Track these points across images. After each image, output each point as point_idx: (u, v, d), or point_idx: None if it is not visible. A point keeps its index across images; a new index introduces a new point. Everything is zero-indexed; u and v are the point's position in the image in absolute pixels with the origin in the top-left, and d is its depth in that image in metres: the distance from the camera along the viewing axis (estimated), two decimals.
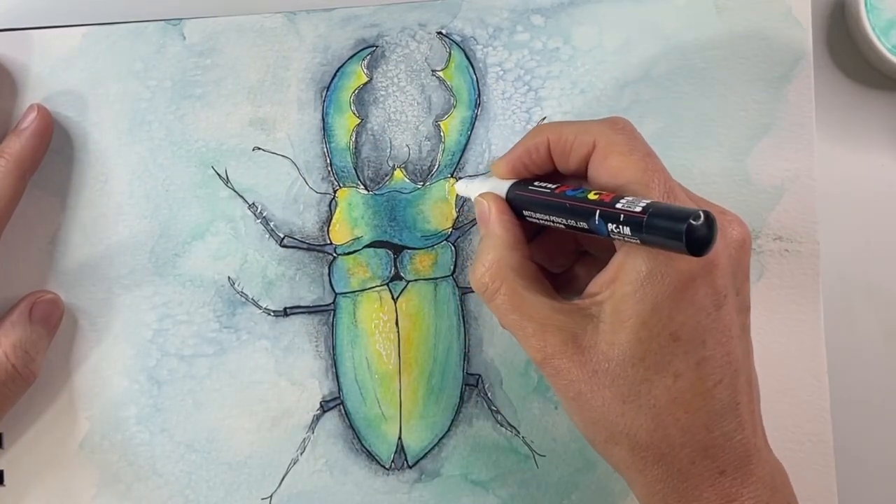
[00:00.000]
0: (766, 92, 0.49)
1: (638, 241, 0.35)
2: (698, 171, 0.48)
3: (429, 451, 0.49)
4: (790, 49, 0.49)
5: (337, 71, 0.49)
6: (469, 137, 0.49)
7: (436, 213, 0.49)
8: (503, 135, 0.49)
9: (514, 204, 0.41)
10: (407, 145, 0.49)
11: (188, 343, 0.49)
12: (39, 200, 0.48)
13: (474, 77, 0.49)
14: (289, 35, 0.49)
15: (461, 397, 0.49)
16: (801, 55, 0.48)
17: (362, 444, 0.49)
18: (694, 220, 0.32)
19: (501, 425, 0.49)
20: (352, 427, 0.49)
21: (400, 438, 0.49)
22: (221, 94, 0.49)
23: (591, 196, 0.37)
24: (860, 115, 0.51)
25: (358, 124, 0.49)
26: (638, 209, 0.34)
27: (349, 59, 0.49)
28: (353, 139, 0.49)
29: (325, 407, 0.49)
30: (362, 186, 0.49)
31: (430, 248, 0.49)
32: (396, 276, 0.49)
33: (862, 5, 0.49)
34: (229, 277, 0.49)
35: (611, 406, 0.37)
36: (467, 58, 0.49)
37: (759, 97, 0.49)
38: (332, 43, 0.49)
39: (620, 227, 0.35)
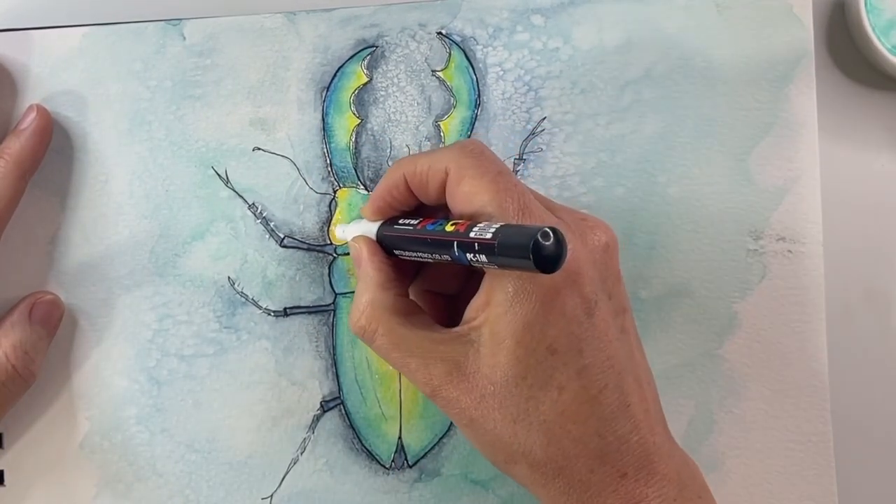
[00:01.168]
0: (768, 91, 0.48)
1: (496, 267, 0.35)
2: (699, 171, 0.48)
3: (429, 450, 0.49)
4: (791, 48, 0.48)
5: (337, 71, 0.49)
6: (469, 137, 0.49)
7: None
8: (503, 135, 0.49)
9: (385, 244, 0.42)
10: (407, 145, 0.49)
11: (188, 343, 0.49)
12: (39, 200, 0.49)
13: (474, 77, 0.49)
14: (289, 35, 0.49)
15: None
16: (802, 54, 0.48)
17: (362, 444, 0.49)
18: (542, 237, 0.33)
19: None
20: (352, 427, 0.49)
21: (400, 438, 0.49)
22: (221, 94, 0.49)
23: (448, 227, 0.37)
24: (860, 116, 0.51)
25: (358, 124, 0.49)
26: (488, 236, 0.35)
27: (349, 59, 0.49)
28: (353, 139, 0.49)
29: (325, 407, 0.49)
30: (362, 187, 0.49)
31: None
32: None
33: (862, 5, 0.48)
34: (229, 277, 0.49)
35: (503, 428, 0.37)
36: (467, 58, 0.49)
37: (761, 97, 0.48)
38: (332, 43, 0.49)
39: (477, 255, 0.35)
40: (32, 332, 0.47)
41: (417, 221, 0.40)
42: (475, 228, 0.36)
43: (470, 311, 0.39)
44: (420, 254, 0.40)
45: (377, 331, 0.40)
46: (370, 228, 0.43)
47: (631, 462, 0.37)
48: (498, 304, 0.37)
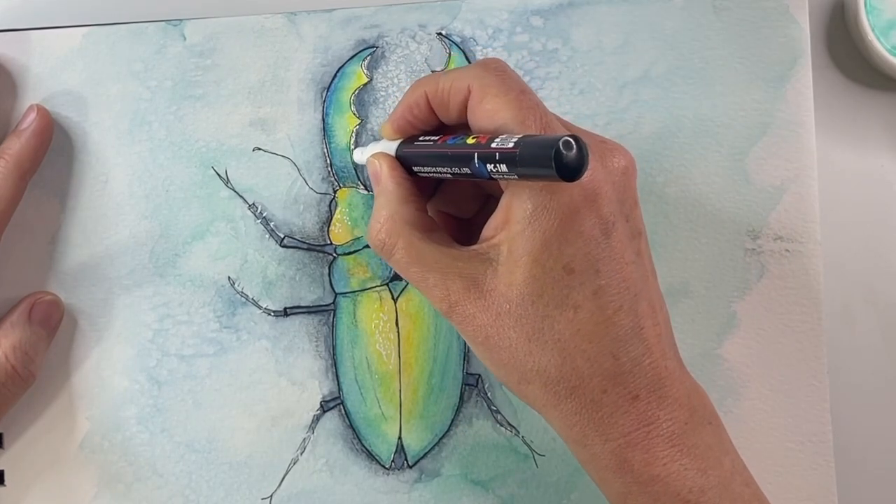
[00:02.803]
0: (765, 91, 0.49)
1: (516, 177, 0.35)
2: (697, 171, 0.49)
3: (429, 450, 0.49)
4: (788, 48, 0.49)
5: (337, 71, 0.49)
6: None
7: None
8: None
9: (404, 162, 0.42)
10: None
11: (188, 343, 0.49)
12: (39, 200, 0.49)
13: None
14: (289, 36, 0.49)
15: (461, 397, 0.49)
16: (799, 54, 0.49)
17: (362, 444, 0.49)
18: (563, 146, 0.33)
19: (501, 425, 0.49)
20: (352, 427, 0.49)
21: (400, 438, 0.49)
22: (222, 94, 0.49)
23: (469, 141, 0.37)
24: (860, 116, 0.51)
25: (358, 124, 0.49)
26: (510, 145, 0.35)
27: (349, 59, 0.49)
28: (354, 139, 0.49)
29: (325, 407, 0.49)
30: (362, 187, 0.49)
31: None
32: (396, 276, 0.49)
33: (861, 6, 0.49)
34: (229, 277, 0.49)
35: (518, 346, 0.37)
36: (467, 59, 0.49)
37: (758, 97, 0.49)
38: (332, 43, 0.49)
39: (498, 165, 0.35)
40: (32, 333, 0.47)
41: (437, 138, 0.40)
42: (496, 140, 0.36)
43: (488, 230, 0.39)
44: (440, 169, 0.40)
45: (396, 245, 0.40)
46: (389, 147, 0.43)
47: (643, 384, 0.37)
48: (516, 222, 0.37)
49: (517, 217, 0.37)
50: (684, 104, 0.49)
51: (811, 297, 0.48)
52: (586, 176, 0.36)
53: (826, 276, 0.49)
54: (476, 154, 0.36)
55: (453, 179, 0.41)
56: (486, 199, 0.44)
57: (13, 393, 0.46)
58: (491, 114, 0.38)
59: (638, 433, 0.37)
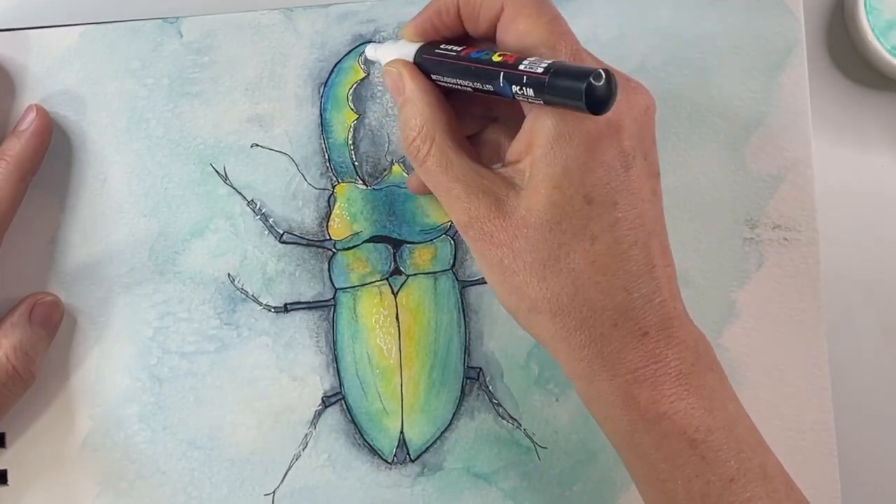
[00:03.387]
0: (761, 81, 0.49)
1: (541, 102, 0.35)
2: (695, 161, 0.49)
3: (431, 444, 0.49)
4: (783, 38, 0.49)
5: (334, 67, 0.49)
6: None
7: (434, 207, 0.49)
8: None
9: (422, 68, 0.41)
10: None
11: (189, 340, 0.49)
12: (39, 200, 0.48)
13: None
14: (286, 32, 0.49)
15: (462, 390, 0.49)
16: (794, 43, 0.49)
17: (364, 439, 0.49)
18: (594, 78, 0.33)
19: (503, 418, 0.49)
20: (353, 422, 0.49)
21: (402, 432, 0.49)
22: (219, 91, 0.49)
23: (496, 58, 0.37)
24: (859, 116, 0.51)
25: (356, 120, 0.49)
26: (540, 70, 0.35)
27: (346, 54, 0.49)
28: (352, 134, 0.49)
29: (326, 402, 0.49)
30: (361, 181, 0.49)
31: (429, 242, 0.49)
32: (396, 271, 0.49)
33: (861, 6, 0.49)
34: (229, 274, 0.49)
35: (532, 272, 0.37)
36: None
37: (754, 87, 0.49)
38: (329, 39, 0.49)
39: (524, 88, 0.35)
40: (33, 334, 0.47)
41: (462, 48, 0.40)
42: (525, 62, 0.35)
43: (512, 154, 0.39)
44: (461, 81, 0.39)
45: (430, 152, 0.39)
46: (406, 51, 0.42)
47: (653, 322, 0.37)
48: (539, 147, 0.37)
49: (540, 142, 0.37)
50: (680, 95, 0.49)
51: (810, 285, 0.48)
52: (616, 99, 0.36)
53: (825, 274, 0.49)
54: (502, 73, 0.36)
55: (459, 94, 0.40)
56: (490, 121, 0.43)
57: (14, 393, 0.46)
58: (522, 34, 0.38)
59: (646, 370, 0.37)
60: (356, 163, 0.49)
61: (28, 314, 0.47)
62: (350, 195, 0.49)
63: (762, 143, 0.49)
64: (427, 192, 0.43)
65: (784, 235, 0.49)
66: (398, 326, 0.49)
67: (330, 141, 0.49)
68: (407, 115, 0.40)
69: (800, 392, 0.48)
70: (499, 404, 0.49)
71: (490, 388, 0.49)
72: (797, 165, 0.49)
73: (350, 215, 0.49)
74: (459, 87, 0.39)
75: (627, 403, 0.37)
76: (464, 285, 0.49)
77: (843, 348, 0.50)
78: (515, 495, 0.48)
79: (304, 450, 0.48)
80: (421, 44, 0.42)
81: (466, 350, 0.49)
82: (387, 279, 0.49)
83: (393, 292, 0.49)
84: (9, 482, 0.48)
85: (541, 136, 0.37)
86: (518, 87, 0.36)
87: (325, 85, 0.49)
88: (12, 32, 0.49)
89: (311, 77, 0.49)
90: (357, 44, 0.49)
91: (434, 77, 0.41)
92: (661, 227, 0.39)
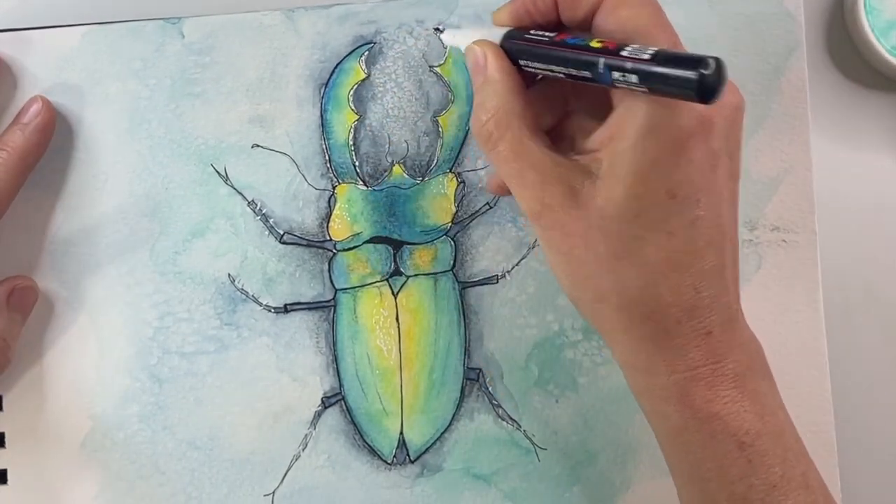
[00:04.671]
0: (760, 84, 0.49)
1: (646, 90, 0.34)
2: None
3: (430, 445, 0.49)
4: (783, 41, 0.49)
5: (335, 68, 0.49)
6: (467, 132, 0.49)
7: (435, 208, 0.49)
8: None
9: (509, 53, 0.40)
10: (405, 141, 0.49)
11: (189, 340, 0.49)
12: (39, 200, 0.49)
13: None
14: (287, 32, 0.49)
15: (462, 391, 0.49)
16: (794, 47, 0.49)
17: (364, 440, 0.49)
18: (704, 66, 0.32)
19: (503, 419, 0.49)
20: (353, 423, 0.49)
21: (401, 433, 0.49)
22: (220, 91, 0.49)
23: (594, 44, 0.36)
24: (859, 116, 0.51)
25: (356, 120, 0.49)
26: (646, 56, 0.34)
27: (347, 55, 0.49)
28: (352, 135, 0.49)
29: (326, 403, 0.49)
30: (361, 182, 0.49)
31: (429, 243, 0.49)
32: (396, 272, 0.49)
33: (861, 6, 0.49)
34: (229, 274, 0.49)
35: (603, 262, 0.37)
36: (464, 54, 0.49)
37: (754, 89, 0.49)
38: (330, 40, 0.49)
39: (627, 75, 0.34)
40: (10, 319, 0.46)
41: (554, 34, 0.38)
42: (628, 48, 0.35)
43: (592, 142, 0.38)
44: (553, 68, 0.38)
45: (504, 137, 0.38)
46: (490, 34, 0.41)
47: (717, 322, 0.37)
48: (626, 139, 0.36)
49: (628, 133, 0.36)
50: None
51: (809, 287, 0.48)
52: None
53: (825, 275, 0.49)
54: (603, 59, 0.35)
55: (540, 85, 0.40)
56: (568, 114, 0.42)
57: None
58: (625, 21, 0.37)
59: (705, 369, 0.37)
60: (357, 163, 0.49)
61: (6, 300, 0.47)
62: (350, 196, 0.49)
63: (761, 146, 0.49)
64: (507, 193, 0.41)
65: (783, 237, 0.49)
66: (398, 327, 0.49)
67: (331, 142, 0.49)
68: (483, 97, 0.39)
69: (799, 394, 0.48)
70: (498, 405, 0.49)
71: (490, 389, 0.49)
72: (796, 168, 0.49)
73: (350, 216, 0.49)
74: (551, 73, 0.38)
75: (682, 400, 0.37)
76: (464, 286, 0.49)
77: (843, 350, 0.50)
78: (515, 496, 0.48)
79: (303, 450, 0.48)
80: (507, 29, 0.41)
81: (466, 351, 0.49)
82: (387, 280, 0.49)
83: (393, 293, 0.49)
84: (9, 482, 0.48)
85: (630, 126, 0.36)
86: (620, 74, 0.35)
87: (326, 86, 0.49)
88: (15, 32, 0.49)
89: (312, 78, 0.49)
90: (358, 44, 0.49)
91: (522, 63, 0.40)
92: (736, 231, 0.39)
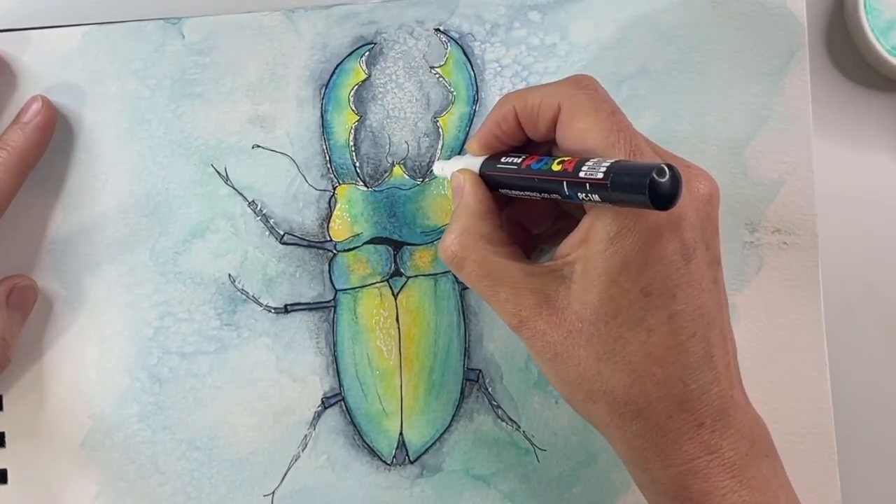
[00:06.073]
0: (763, 85, 0.49)
1: (609, 204, 0.35)
2: (695, 164, 0.49)
3: (430, 446, 0.49)
4: (786, 42, 0.49)
5: (335, 68, 0.49)
6: (468, 133, 0.49)
7: (435, 208, 0.49)
8: None
9: (488, 181, 0.41)
10: (406, 142, 0.49)
11: (189, 341, 0.49)
12: (39, 200, 0.49)
13: (472, 73, 0.49)
14: (287, 33, 0.49)
15: (462, 392, 0.49)
16: (796, 48, 0.49)
17: (364, 440, 0.49)
18: (657, 174, 0.32)
19: (502, 420, 0.49)
20: (353, 423, 0.49)
21: (401, 434, 0.49)
22: (220, 92, 0.49)
23: (555, 167, 0.37)
24: (859, 116, 0.51)
25: (357, 121, 0.49)
26: (600, 174, 0.34)
27: (348, 56, 0.49)
28: (353, 136, 0.49)
29: (326, 403, 0.49)
30: (362, 183, 0.49)
31: (429, 244, 0.49)
32: (396, 273, 0.49)
33: (861, 6, 0.49)
34: (230, 275, 0.49)
35: (587, 365, 0.37)
36: (465, 54, 0.49)
37: (756, 90, 0.49)
38: (330, 40, 0.49)
39: (589, 194, 0.35)
40: (10, 319, 0.47)
41: (521, 159, 0.40)
42: (585, 166, 0.35)
43: (564, 247, 0.38)
44: (528, 193, 0.39)
45: (468, 258, 0.39)
46: (472, 163, 0.42)
47: (709, 413, 0.37)
48: (597, 242, 0.37)
49: (598, 237, 0.37)
50: (682, 98, 0.49)
51: (810, 289, 0.48)
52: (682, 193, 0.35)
53: (825, 275, 0.49)
54: (565, 182, 0.36)
55: (523, 200, 0.41)
56: (559, 215, 0.43)
57: None
58: (580, 133, 0.38)
59: (700, 461, 0.37)
60: (357, 164, 0.49)
61: (5, 299, 0.47)
62: (351, 196, 0.49)
63: (763, 148, 0.49)
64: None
65: (784, 240, 0.49)
66: (398, 328, 0.49)
67: (331, 142, 0.49)
68: (452, 220, 0.41)
69: (799, 396, 0.48)
70: (498, 406, 0.49)
71: (490, 390, 0.49)
72: (798, 170, 0.49)
73: (351, 217, 0.49)
74: (528, 197, 0.39)
75: (680, 494, 0.37)
76: (464, 287, 0.49)
77: (844, 351, 0.50)
78: (514, 497, 0.48)
79: (303, 451, 0.48)
80: (485, 157, 0.42)
81: (466, 352, 0.49)
82: (387, 281, 0.49)
83: (393, 294, 0.49)
84: (8, 482, 0.48)
85: (600, 231, 0.37)
86: (583, 194, 0.35)
87: (327, 86, 0.49)
88: (15, 32, 0.49)
89: (313, 78, 0.49)
90: (358, 45, 0.49)
91: (503, 191, 0.41)
92: (722, 314, 0.39)
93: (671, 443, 0.37)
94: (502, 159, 0.41)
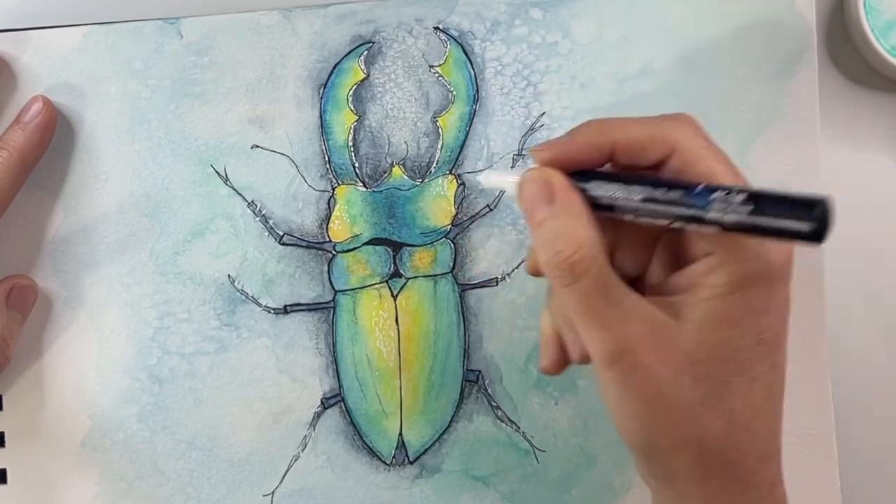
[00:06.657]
0: (769, 86, 0.48)
1: (736, 232, 0.33)
2: None
3: (429, 446, 0.49)
4: (793, 43, 0.48)
5: (334, 68, 0.49)
6: (468, 133, 0.49)
7: (435, 209, 0.49)
8: (502, 130, 0.49)
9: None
10: (405, 142, 0.49)
11: (189, 341, 0.49)
12: (39, 200, 0.49)
13: (472, 72, 0.49)
14: (285, 32, 0.49)
15: (461, 393, 0.49)
16: (804, 49, 0.48)
17: (363, 441, 0.49)
18: (815, 206, 0.31)
19: (502, 421, 0.49)
20: (352, 423, 0.49)
21: (401, 434, 0.49)
22: (219, 92, 0.49)
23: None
24: (859, 117, 0.51)
25: (356, 121, 0.49)
26: (747, 204, 0.32)
27: (346, 55, 0.49)
28: (352, 136, 0.49)
29: (325, 404, 0.49)
30: (361, 184, 0.49)
31: (429, 245, 0.49)
32: (396, 273, 0.49)
33: (861, 6, 0.48)
34: (229, 275, 0.49)
35: (689, 408, 0.35)
36: (465, 53, 0.49)
37: (762, 91, 0.48)
38: (328, 40, 0.49)
39: (727, 216, 0.33)
40: (10, 318, 0.47)
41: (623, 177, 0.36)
42: (717, 192, 0.33)
43: (677, 285, 0.36)
44: (650, 207, 0.35)
45: (588, 271, 0.35)
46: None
47: (778, 472, 0.37)
48: (722, 285, 0.35)
49: (721, 280, 0.35)
50: (686, 98, 0.48)
51: (813, 291, 0.48)
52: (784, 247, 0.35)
53: (828, 276, 0.48)
54: (714, 195, 0.33)
55: (624, 238, 0.38)
56: (650, 257, 0.39)
57: None
58: (705, 175, 0.35)
59: None
60: (356, 165, 0.49)
61: (5, 299, 0.47)
62: (350, 197, 0.49)
63: (768, 148, 0.48)
64: (542, 274, 0.37)
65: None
66: (398, 329, 0.49)
67: (330, 143, 0.49)
68: (560, 229, 0.36)
69: (800, 397, 0.48)
70: (498, 407, 0.49)
71: (489, 390, 0.49)
72: (802, 171, 0.48)
73: (350, 217, 0.49)
74: (636, 216, 0.36)
75: None
76: (463, 288, 0.49)
77: (845, 353, 0.49)
78: (514, 498, 0.48)
79: (303, 451, 0.49)
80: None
81: (466, 353, 0.49)
82: (386, 282, 0.49)
83: (392, 295, 0.49)
84: (8, 481, 0.48)
85: (722, 276, 0.35)
86: (720, 214, 0.33)
87: (325, 86, 0.49)
88: (15, 32, 0.49)
89: (311, 78, 0.49)
90: (357, 44, 0.49)
91: (599, 204, 0.37)
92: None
93: (751, 500, 0.36)
94: (592, 174, 0.37)
